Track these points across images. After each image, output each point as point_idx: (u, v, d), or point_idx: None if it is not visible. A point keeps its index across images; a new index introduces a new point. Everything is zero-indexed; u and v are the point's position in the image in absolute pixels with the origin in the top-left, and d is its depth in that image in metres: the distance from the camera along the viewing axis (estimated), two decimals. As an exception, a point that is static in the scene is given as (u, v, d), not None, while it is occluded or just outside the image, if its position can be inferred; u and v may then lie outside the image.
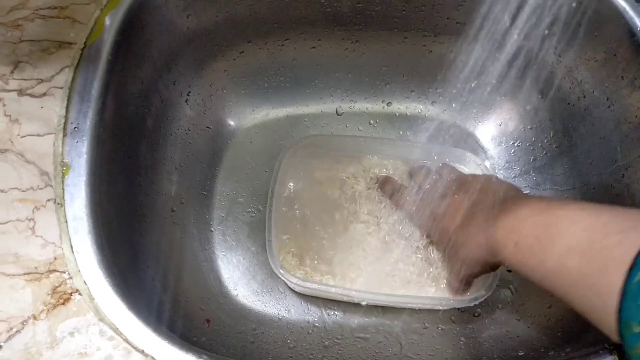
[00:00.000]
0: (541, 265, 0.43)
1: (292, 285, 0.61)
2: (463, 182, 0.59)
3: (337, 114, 0.75)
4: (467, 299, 0.58)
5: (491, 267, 0.54)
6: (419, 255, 0.62)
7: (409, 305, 0.61)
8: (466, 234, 0.53)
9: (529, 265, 0.45)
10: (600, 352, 0.44)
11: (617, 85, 0.58)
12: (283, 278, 0.58)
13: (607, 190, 0.60)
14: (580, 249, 0.39)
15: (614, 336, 0.36)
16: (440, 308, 0.62)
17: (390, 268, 0.61)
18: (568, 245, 0.41)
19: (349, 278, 0.61)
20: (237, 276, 0.65)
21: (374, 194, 0.66)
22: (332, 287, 0.59)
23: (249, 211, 0.69)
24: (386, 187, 0.66)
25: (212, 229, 0.67)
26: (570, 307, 0.42)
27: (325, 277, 0.61)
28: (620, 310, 0.34)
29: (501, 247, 0.48)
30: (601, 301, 0.36)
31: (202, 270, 0.64)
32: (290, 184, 0.66)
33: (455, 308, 0.62)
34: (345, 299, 0.61)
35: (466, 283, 0.58)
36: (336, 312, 0.64)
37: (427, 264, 0.62)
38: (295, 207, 0.65)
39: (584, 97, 0.62)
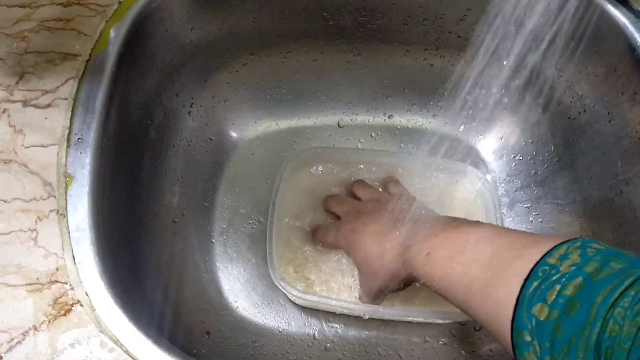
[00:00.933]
0: (447, 275, 0.44)
1: (292, 298, 0.61)
2: (387, 199, 0.61)
3: (339, 126, 0.75)
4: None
5: (402, 282, 0.53)
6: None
7: (409, 318, 0.61)
8: (384, 247, 0.53)
9: (437, 275, 0.45)
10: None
11: (618, 100, 0.58)
12: (284, 290, 0.58)
13: (608, 204, 0.60)
14: (484, 260, 0.41)
15: (508, 346, 0.36)
16: (441, 321, 0.62)
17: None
18: (473, 257, 0.42)
19: (350, 291, 0.61)
20: (237, 288, 0.65)
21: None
22: (333, 299, 0.59)
23: (250, 223, 0.69)
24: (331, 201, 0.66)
25: (213, 241, 0.67)
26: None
27: (326, 290, 0.61)
28: (514, 319, 0.35)
29: (412, 257, 0.49)
30: (498, 310, 0.37)
31: (203, 282, 0.64)
32: (292, 195, 0.66)
33: (456, 322, 0.62)
34: (345, 311, 0.61)
35: (376, 297, 0.58)
36: (336, 325, 0.63)
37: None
38: (297, 219, 0.65)
39: (585, 111, 0.63)
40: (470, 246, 0.43)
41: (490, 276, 0.39)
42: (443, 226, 0.48)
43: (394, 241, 0.51)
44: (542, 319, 0.33)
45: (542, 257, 0.36)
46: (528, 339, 0.34)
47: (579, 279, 0.33)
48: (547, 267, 0.35)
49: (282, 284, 0.58)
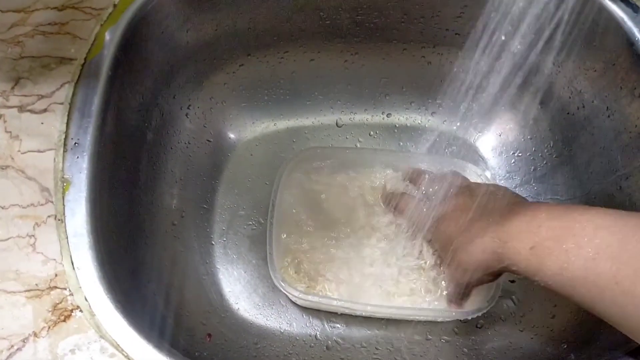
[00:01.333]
0: (564, 270, 0.40)
1: (293, 299, 0.61)
2: (467, 186, 0.58)
3: (337, 126, 0.75)
4: (469, 311, 0.58)
5: (494, 275, 0.51)
6: (421, 267, 0.62)
7: (411, 317, 0.61)
8: (469, 238, 0.50)
9: (549, 271, 0.42)
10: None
11: (617, 95, 0.58)
12: (285, 291, 0.58)
13: (608, 199, 0.60)
14: (611, 253, 0.37)
15: None
16: (442, 320, 0.62)
17: (392, 280, 0.61)
18: (596, 250, 0.38)
19: (351, 290, 0.61)
20: (238, 290, 0.65)
21: (375, 206, 0.66)
22: (334, 299, 0.59)
23: (250, 224, 0.68)
24: (389, 200, 0.64)
25: (213, 243, 0.67)
26: (590, 316, 0.40)
27: (326, 290, 0.61)
28: None
29: (512, 251, 0.45)
30: (637, 308, 0.35)
31: (204, 284, 0.64)
32: (291, 196, 0.66)
33: (457, 320, 0.62)
34: (347, 311, 0.60)
35: (465, 294, 0.56)
36: (338, 325, 0.63)
37: (429, 275, 0.61)
38: (296, 219, 0.65)
39: (584, 107, 0.62)
40: (588, 236, 0.39)
41: (621, 271, 0.36)
42: (546, 213, 0.44)
43: (481, 231, 0.48)
44: None
45: None
46: None
47: None
48: None
49: (283, 284, 0.58)
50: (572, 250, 0.40)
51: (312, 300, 0.58)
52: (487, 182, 0.66)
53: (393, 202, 0.63)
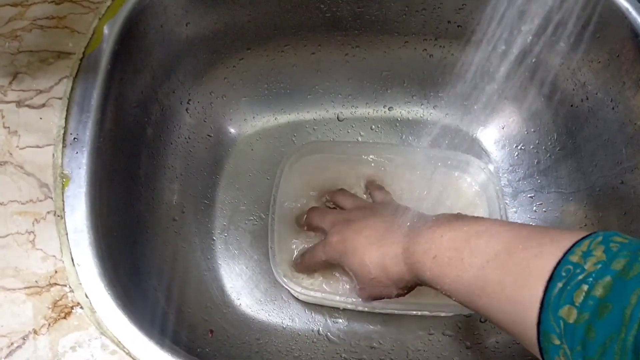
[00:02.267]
0: (459, 278, 0.42)
1: (296, 294, 0.61)
2: (375, 205, 0.60)
3: (339, 120, 0.74)
4: None
5: (408, 287, 0.51)
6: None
7: (413, 312, 0.61)
8: (383, 252, 0.50)
9: (447, 279, 0.43)
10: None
11: (621, 87, 0.57)
12: (287, 287, 0.58)
13: (612, 192, 0.59)
14: (499, 261, 0.39)
15: (534, 349, 0.35)
16: (445, 314, 0.61)
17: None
18: (487, 258, 0.40)
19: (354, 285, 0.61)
20: (240, 285, 0.65)
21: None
22: (337, 295, 0.58)
23: (251, 219, 0.68)
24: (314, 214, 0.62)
25: (214, 238, 0.67)
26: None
27: (329, 284, 0.61)
28: (540, 322, 0.34)
29: (419, 262, 0.46)
30: (521, 314, 0.36)
31: (205, 280, 0.63)
32: (293, 190, 0.65)
33: (461, 314, 0.62)
34: (349, 306, 0.60)
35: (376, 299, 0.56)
36: (341, 320, 0.63)
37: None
38: (298, 214, 0.64)
39: (588, 99, 0.62)
40: (481, 245, 0.41)
41: (507, 278, 0.38)
42: (448, 225, 0.46)
43: (393, 245, 0.49)
44: (571, 321, 0.32)
45: (564, 256, 0.34)
46: (557, 342, 0.33)
47: (608, 278, 0.31)
48: (570, 267, 0.33)
49: (285, 280, 0.57)
50: (467, 258, 0.41)
51: (314, 296, 0.58)
52: (489, 176, 0.65)
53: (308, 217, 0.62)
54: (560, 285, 0.33)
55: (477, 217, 0.46)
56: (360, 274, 0.52)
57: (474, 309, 0.42)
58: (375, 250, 0.50)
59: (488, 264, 0.39)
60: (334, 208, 0.64)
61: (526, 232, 0.40)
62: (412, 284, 0.50)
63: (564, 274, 0.33)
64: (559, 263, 0.34)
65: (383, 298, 0.54)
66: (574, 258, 0.34)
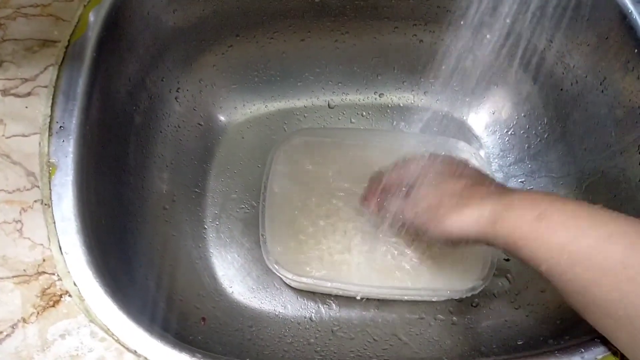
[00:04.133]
0: (571, 244, 0.38)
1: (287, 281, 0.61)
2: (455, 160, 0.55)
3: (329, 107, 0.74)
4: (463, 290, 0.57)
5: (454, 241, 0.47)
6: (419, 245, 0.61)
7: (405, 297, 0.61)
8: (463, 203, 0.46)
9: (553, 243, 0.38)
10: (598, 339, 0.43)
11: (610, 70, 0.57)
12: (278, 274, 0.58)
13: (602, 175, 0.59)
14: (627, 238, 0.36)
15: None
16: (437, 299, 0.61)
17: (385, 260, 0.60)
18: (610, 232, 0.36)
19: (344, 271, 0.61)
20: (232, 273, 0.65)
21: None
22: (327, 281, 0.58)
23: (243, 207, 0.68)
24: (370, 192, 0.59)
25: (206, 227, 0.67)
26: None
27: (320, 271, 0.61)
28: None
29: (514, 219, 0.41)
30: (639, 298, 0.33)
31: (197, 268, 0.63)
32: (283, 178, 0.65)
33: (452, 299, 0.62)
34: (340, 292, 0.60)
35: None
36: (333, 307, 0.63)
37: (428, 253, 0.61)
38: (289, 201, 0.64)
39: (577, 82, 0.62)
40: (602, 219, 0.37)
41: (635, 257, 0.34)
42: (555, 195, 0.42)
43: (481, 201, 0.44)
44: None
45: None
46: None
47: None
48: None
49: (276, 267, 0.57)
50: (585, 228, 0.38)
51: (306, 282, 0.58)
52: (480, 161, 0.65)
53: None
54: None
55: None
56: (425, 197, 0.50)
57: (563, 282, 0.39)
58: (454, 202, 0.47)
59: (612, 237, 0.36)
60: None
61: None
62: (464, 240, 0.46)
63: None
64: None
65: (416, 233, 0.51)
66: None
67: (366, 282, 0.60)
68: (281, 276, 0.58)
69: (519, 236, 0.41)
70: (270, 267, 0.58)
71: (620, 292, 0.35)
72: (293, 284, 0.62)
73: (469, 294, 0.57)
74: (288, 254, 0.62)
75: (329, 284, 0.58)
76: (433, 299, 0.61)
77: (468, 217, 0.45)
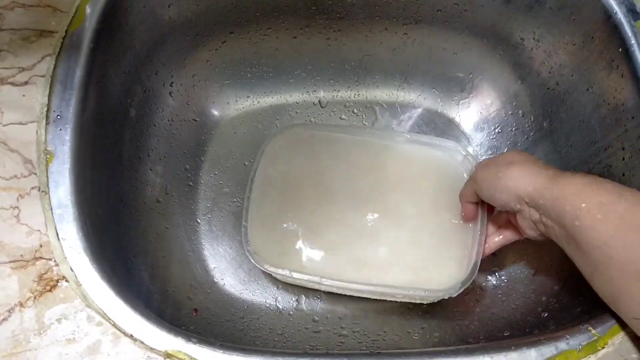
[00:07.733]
0: (611, 203, 0.40)
1: (266, 271, 0.60)
2: None
3: (320, 104, 0.75)
4: (441, 291, 0.56)
5: (499, 203, 0.50)
6: (402, 242, 0.61)
7: (383, 296, 0.60)
8: (522, 163, 0.49)
9: (594, 202, 0.41)
10: (581, 326, 0.45)
11: (595, 68, 0.59)
12: (258, 265, 0.57)
13: (588, 172, 0.61)
14: None
15: None
16: (417, 301, 0.60)
17: (372, 255, 0.60)
18: None
19: (329, 265, 0.60)
20: (223, 266, 0.65)
21: (356, 181, 0.65)
22: (305, 274, 0.58)
23: (235, 201, 0.69)
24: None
25: (198, 220, 0.67)
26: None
27: (303, 262, 0.60)
28: None
29: (568, 179, 0.44)
30: None
31: (189, 261, 0.64)
32: (272, 172, 0.65)
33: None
34: (316, 286, 0.60)
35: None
36: (323, 299, 0.64)
37: (410, 251, 0.61)
38: (276, 194, 0.64)
39: (564, 81, 0.63)
40: None
41: None
42: (611, 183, 0.43)
43: (537, 169, 0.47)
44: None
45: None
46: None
47: None
48: None
49: (256, 257, 0.57)
50: (627, 194, 0.41)
51: (282, 274, 0.58)
52: (468, 157, 0.66)
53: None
54: None
55: None
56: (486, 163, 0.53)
57: (591, 238, 0.41)
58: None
59: None
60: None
61: None
62: (505, 208, 0.50)
63: None
64: None
65: (473, 194, 0.54)
66: None
67: (343, 277, 0.58)
68: (259, 266, 0.58)
69: (569, 192, 0.43)
70: (249, 257, 0.58)
71: None
72: (276, 276, 0.61)
73: (446, 297, 0.56)
74: (268, 245, 0.61)
75: (306, 277, 0.57)
76: (413, 300, 0.60)
77: (520, 179, 0.47)
